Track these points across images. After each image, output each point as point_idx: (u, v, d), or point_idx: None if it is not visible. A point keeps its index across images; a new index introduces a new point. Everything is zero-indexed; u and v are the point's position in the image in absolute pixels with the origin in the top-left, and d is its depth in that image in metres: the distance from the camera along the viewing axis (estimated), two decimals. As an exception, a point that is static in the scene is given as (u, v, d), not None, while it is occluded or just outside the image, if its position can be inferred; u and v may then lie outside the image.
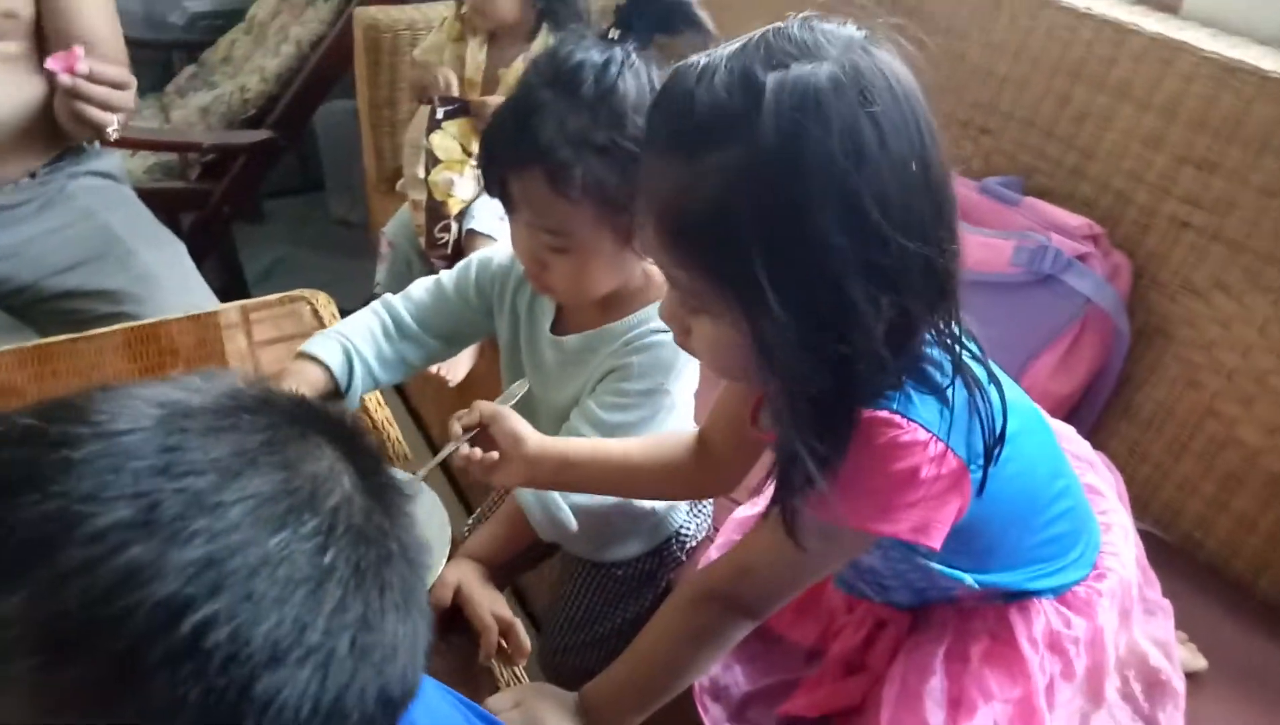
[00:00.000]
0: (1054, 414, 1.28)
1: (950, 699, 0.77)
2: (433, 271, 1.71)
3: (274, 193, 2.72)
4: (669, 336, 0.91)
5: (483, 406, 0.82)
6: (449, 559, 0.87)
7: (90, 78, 1.20)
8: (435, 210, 1.63)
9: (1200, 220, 1.22)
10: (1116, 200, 1.31)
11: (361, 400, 1.01)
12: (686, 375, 0.95)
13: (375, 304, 1.04)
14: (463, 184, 1.65)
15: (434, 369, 1.49)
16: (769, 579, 0.75)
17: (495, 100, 1.64)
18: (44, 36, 1.34)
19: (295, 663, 0.35)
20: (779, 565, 0.74)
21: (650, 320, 0.93)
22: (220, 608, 0.34)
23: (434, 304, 1.03)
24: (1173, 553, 1.20)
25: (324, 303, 1.29)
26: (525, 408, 1.08)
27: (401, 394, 2.05)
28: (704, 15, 0.84)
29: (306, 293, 1.30)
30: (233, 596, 0.34)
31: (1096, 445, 1.25)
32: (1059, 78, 1.38)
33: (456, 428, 0.81)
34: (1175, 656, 0.87)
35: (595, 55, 0.83)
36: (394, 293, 1.70)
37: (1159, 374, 1.27)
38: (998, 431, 0.66)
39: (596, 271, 0.89)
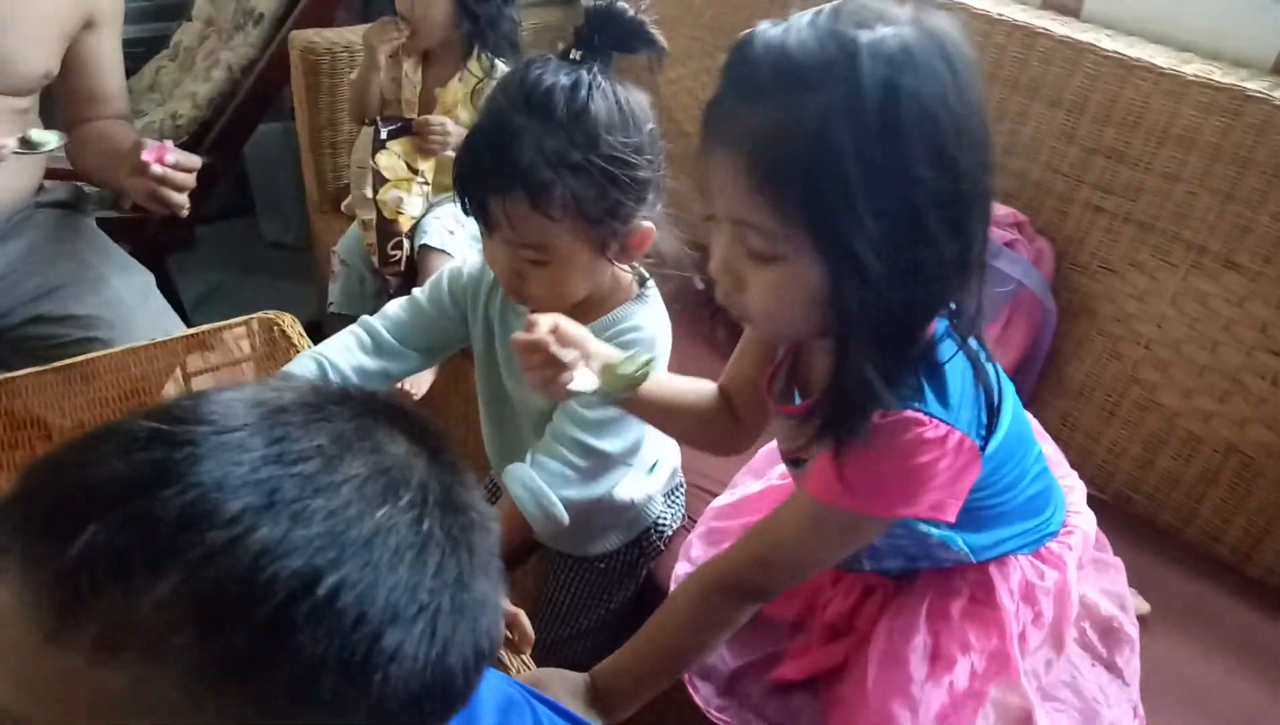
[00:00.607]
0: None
1: (931, 655, 0.84)
2: (387, 288, 1.74)
3: (204, 218, 2.68)
4: (640, 334, 0.97)
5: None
6: None
7: (174, 166, 1.24)
8: (386, 229, 1.65)
9: (1112, 205, 1.33)
10: (1036, 190, 1.42)
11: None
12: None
13: (354, 325, 1.06)
14: (411, 201, 1.68)
15: (400, 384, 1.52)
16: (787, 567, 0.80)
17: (437, 119, 1.68)
18: (54, 92, 1.41)
19: (410, 619, 0.39)
20: (799, 554, 0.78)
21: (624, 320, 0.98)
22: (345, 574, 0.38)
23: (410, 319, 1.06)
24: (1109, 509, 1.30)
25: (290, 323, 1.30)
26: (504, 412, 1.12)
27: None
28: (658, 33, 0.88)
29: (271, 314, 1.31)
30: (354, 564, 0.38)
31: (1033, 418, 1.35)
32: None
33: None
34: (1129, 607, 0.95)
35: (564, 79, 0.86)
36: (350, 311, 1.73)
37: (1085, 348, 1.37)
38: (996, 402, 0.73)
39: (573, 280, 0.94)
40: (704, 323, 0.82)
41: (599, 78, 0.87)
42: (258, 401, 0.42)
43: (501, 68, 1.79)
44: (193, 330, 1.27)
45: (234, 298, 2.50)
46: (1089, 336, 1.37)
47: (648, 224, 0.92)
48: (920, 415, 0.69)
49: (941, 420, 0.69)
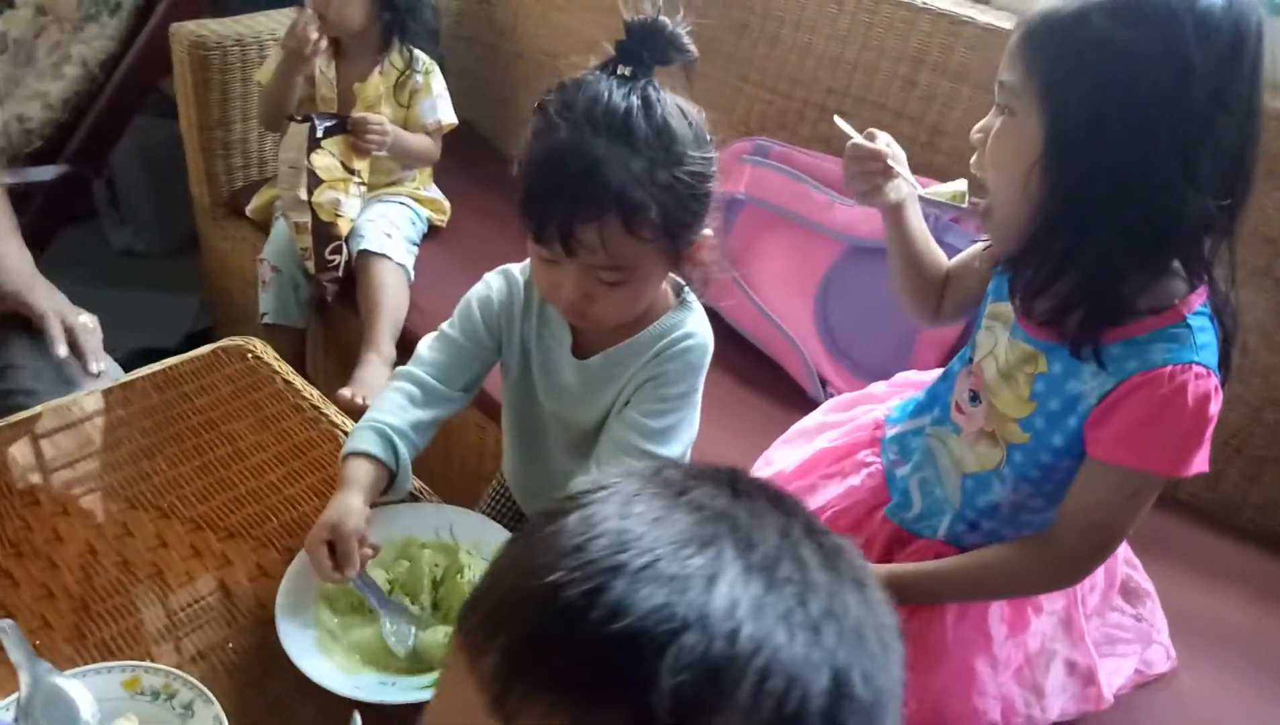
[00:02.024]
0: (943, 352, 1.49)
1: (1010, 617, 0.92)
2: (324, 294, 1.64)
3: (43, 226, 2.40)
4: (695, 341, 0.98)
5: None
6: None
7: None
8: (324, 232, 1.56)
9: (1039, 179, 1.46)
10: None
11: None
12: (704, 372, 1.02)
13: (396, 380, 1.01)
14: (349, 203, 1.59)
15: (352, 396, 1.45)
16: (1112, 540, 0.86)
17: (375, 117, 1.59)
18: None
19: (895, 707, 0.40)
20: (1120, 524, 0.85)
21: (674, 328, 0.98)
22: (864, 667, 0.38)
23: (450, 359, 1.02)
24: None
25: (261, 348, 1.22)
26: (535, 433, 1.09)
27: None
28: (690, 43, 0.88)
29: (239, 341, 1.22)
30: (861, 658, 0.38)
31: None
32: (903, 64, 1.58)
33: None
34: (1138, 565, 1.06)
35: (635, 98, 0.85)
36: (285, 320, 1.62)
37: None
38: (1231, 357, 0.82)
39: (645, 296, 0.94)
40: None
41: (663, 93, 0.87)
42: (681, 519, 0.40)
43: (422, 58, 1.72)
44: (154, 367, 1.16)
45: (93, 313, 2.27)
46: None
47: (708, 232, 0.93)
48: (1200, 367, 0.77)
49: (1212, 370, 0.77)
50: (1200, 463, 0.80)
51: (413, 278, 1.66)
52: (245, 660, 0.84)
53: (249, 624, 0.87)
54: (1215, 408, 0.78)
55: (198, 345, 1.20)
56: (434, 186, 1.84)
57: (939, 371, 1.06)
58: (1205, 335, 0.79)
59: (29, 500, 0.97)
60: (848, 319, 1.53)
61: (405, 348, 1.55)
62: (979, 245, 1.00)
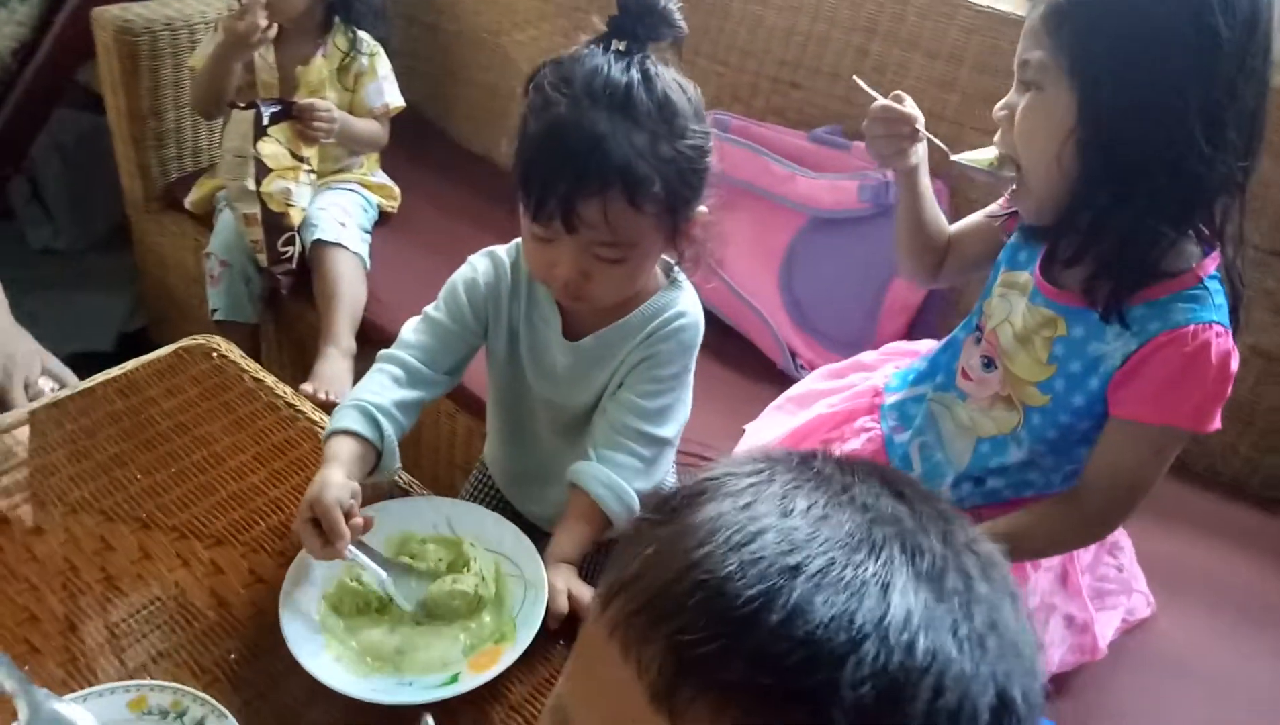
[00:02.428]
0: (907, 319, 1.52)
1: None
2: (278, 287, 1.59)
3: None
4: (687, 319, 0.98)
5: None
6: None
7: None
8: (275, 223, 1.50)
9: (993, 145, 1.49)
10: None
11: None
12: (696, 350, 1.02)
13: (379, 363, 0.98)
14: (299, 191, 1.54)
15: (315, 391, 1.41)
16: (1136, 497, 0.89)
17: (323, 103, 1.54)
18: None
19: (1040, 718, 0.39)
20: (1149, 479, 0.88)
21: (667, 308, 0.98)
22: (1024, 685, 0.37)
23: (435, 342, 1.00)
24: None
25: (226, 346, 1.17)
26: (523, 415, 1.08)
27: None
28: (680, 18, 0.88)
29: (200, 339, 1.17)
30: (1020, 672, 0.38)
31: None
32: (855, 34, 1.59)
33: None
34: None
35: (634, 72, 0.85)
36: (239, 317, 1.56)
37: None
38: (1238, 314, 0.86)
39: (643, 273, 0.93)
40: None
41: (659, 67, 0.87)
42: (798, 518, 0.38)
43: (366, 40, 1.67)
44: (113, 372, 1.11)
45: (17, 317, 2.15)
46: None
47: (703, 208, 0.93)
48: (1219, 326, 0.80)
49: (1229, 330, 0.81)
50: (1219, 419, 0.84)
51: (369, 266, 1.61)
52: (250, 671, 0.81)
53: (250, 633, 0.84)
54: (1235, 365, 0.82)
55: (133, 347, 1.15)
56: (381, 172, 1.79)
57: (930, 342, 1.08)
58: (1220, 297, 0.83)
59: (-3, 520, 0.92)
60: (812, 290, 1.54)
61: (365, 339, 1.52)
62: (983, 213, 1.03)
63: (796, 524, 0.37)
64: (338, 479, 0.85)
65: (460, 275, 1.02)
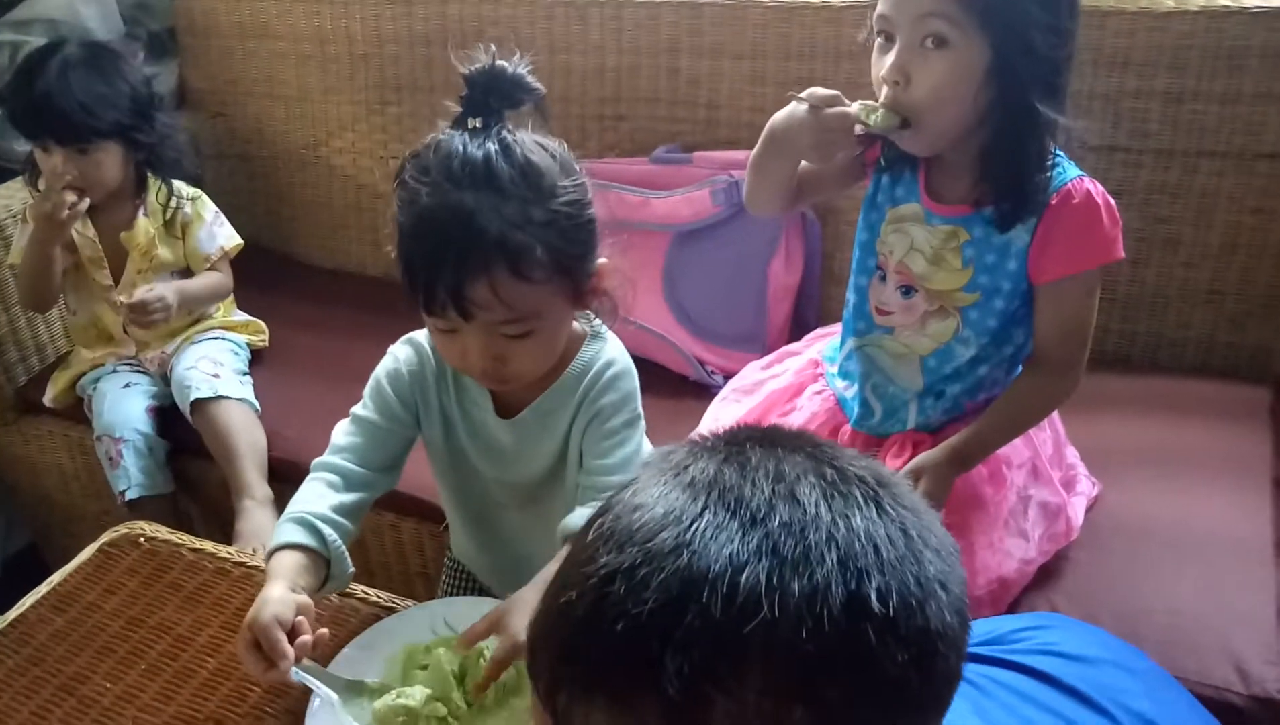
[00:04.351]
0: (792, 300, 1.59)
1: (990, 476, 1.02)
2: (173, 450, 1.51)
3: None
4: (618, 367, 0.97)
5: None
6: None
7: None
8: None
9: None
10: (750, 130, 1.62)
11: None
12: (639, 393, 1.01)
13: (312, 473, 0.96)
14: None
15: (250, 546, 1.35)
16: (1082, 342, 1.02)
17: (153, 295, 1.50)
18: None
19: (938, 591, 0.43)
20: (1088, 323, 1.02)
21: (596, 360, 0.97)
22: (890, 582, 0.41)
23: (367, 441, 0.97)
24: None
25: (153, 528, 1.11)
26: (478, 498, 1.06)
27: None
28: (535, 81, 0.88)
29: (123, 529, 1.11)
30: (892, 570, 0.41)
31: (829, 314, 1.59)
32: (661, 56, 1.66)
33: None
34: None
35: (490, 145, 0.84)
36: (148, 490, 1.48)
37: (841, 239, 1.62)
38: None
39: (557, 341, 0.92)
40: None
41: (517, 134, 0.86)
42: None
43: (183, 188, 1.62)
44: (41, 590, 1.03)
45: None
46: (840, 230, 1.61)
47: (603, 260, 0.92)
48: (1085, 177, 0.99)
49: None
50: (1122, 248, 1.00)
51: (259, 408, 1.56)
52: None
53: (286, 799, 0.81)
54: (1112, 199, 1.00)
55: (25, 569, 1.06)
56: (240, 311, 1.74)
57: (832, 332, 1.17)
58: (1068, 163, 1.00)
59: (-32, 782, 0.84)
60: (698, 300, 1.59)
61: (281, 480, 1.46)
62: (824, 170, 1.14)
63: (630, 523, 0.42)
64: (276, 594, 0.82)
65: (383, 368, 1.00)
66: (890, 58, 0.96)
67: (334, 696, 0.82)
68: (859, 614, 0.39)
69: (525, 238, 0.83)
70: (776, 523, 0.40)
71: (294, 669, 0.79)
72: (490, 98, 0.87)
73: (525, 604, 0.83)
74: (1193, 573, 1.06)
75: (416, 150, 0.88)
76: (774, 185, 1.13)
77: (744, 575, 0.38)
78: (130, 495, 1.47)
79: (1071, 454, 1.17)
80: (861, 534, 0.40)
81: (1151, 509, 1.15)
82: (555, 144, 0.90)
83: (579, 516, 0.92)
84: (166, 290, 1.52)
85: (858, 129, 1.00)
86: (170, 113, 1.70)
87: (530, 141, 0.87)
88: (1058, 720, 0.62)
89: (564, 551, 0.89)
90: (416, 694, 0.81)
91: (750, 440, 0.46)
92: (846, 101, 1.02)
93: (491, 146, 0.84)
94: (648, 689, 0.38)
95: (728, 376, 1.44)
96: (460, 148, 0.85)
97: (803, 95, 1.02)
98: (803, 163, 1.12)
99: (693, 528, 0.40)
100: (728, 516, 0.40)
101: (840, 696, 0.38)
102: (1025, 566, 1.03)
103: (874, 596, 0.39)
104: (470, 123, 0.87)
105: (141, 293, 1.49)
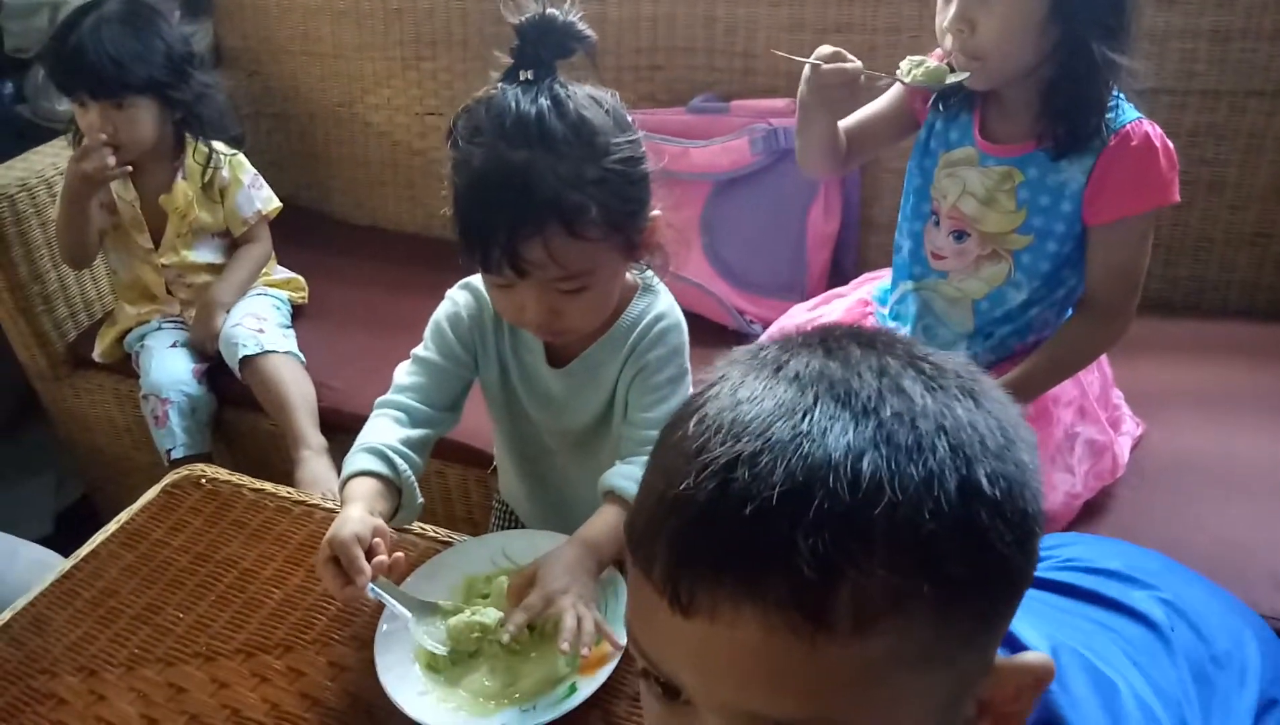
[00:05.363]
0: (831, 248, 1.60)
1: (1035, 415, 1.03)
2: (219, 406, 1.55)
3: None
4: (668, 321, 0.97)
5: None
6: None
7: None
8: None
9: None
10: (788, 79, 1.62)
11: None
12: (687, 347, 1.01)
13: (378, 409, 0.98)
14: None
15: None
16: (1136, 284, 1.04)
17: (210, 329, 1.57)
18: None
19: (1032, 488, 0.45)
20: (1141, 265, 1.03)
21: (647, 313, 0.97)
22: (995, 468, 0.43)
23: (430, 381, 0.99)
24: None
25: (213, 469, 1.14)
26: (532, 444, 1.08)
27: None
28: (586, 28, 0.87)
29: (184, 471, 1.14)
30: (992, 457, 0.43)
31: (867, 262, 1.59)
32: (699, 4, 1.65)
33: None
34: None
35: (543, 100, 0.83)
36: (192, 449, 1.52)
37: (880, 187, 1.62)
38: None
39: (611, 295, 0.93)
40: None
41: (571, 87, 0.86)
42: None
43: (222, 149, 1.63)
44: (110, 528, 1.06)
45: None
46: (880, 177, 1.61)
47: (656, 212, 0.92)
48: (1145, 120, 0.99)
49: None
50: (1178, 192, 1.00)
51: (304, 360, 1.59)
52: (374, 753, 0.81)
53: (357, 718, 0.84)
54: (1170, 143, 1.00)
55: (77, 523, 1.09)
56: (281, 267, 1.76)
57: (883, 275, 1.18)
58: (1128, 105, 0.99)
59: (54, 702, 0.88)
60: (738, 250, 1.60)
61: (332, 429, 1.49)
62: (871, 109, 1.15)
63: (739, 415, 0.43)
64: (355, 514, 0.84)
65: (442, 311, 1.01)
66: (953, 8, 0.99)
67: (408, 614, 0.84)
68: (972, 497, 0.41)
69: (579, 197, 0.82)
70: (888, 413, 0.41)
71: (370, 586, 0.81)
72: (541, 48, 0.86)
73: (561, 561, 0.85)
74: (1237, 505, 1.07)
75: (469, 106, 0.87)
76: (815, 145, 1.15)
77: (864, 462, 0.40)
78: (175, 455, 1.51)
79: (1117, 396, 1.18)
80: (966, 424, 0.42)
81: (1196, 446, 1.16)
82: (608, 96, 0.89)
83: (621, 472, 0.93)
84: (218, 311, 1.59)
85: (908, 82, 1.06)
86: (208, 71, 1.72)
87: (583, 96, 0.86)
88: (1088, 623, 0.64)
89: (608, 505, 0.93)
90: (490, 614, 0.84)
91: (846, 337, 0.47)
92: (850, 57, 1.06)
93: (544, 102, 0.83)
94: (779, 568, 0.39)
95: (766, 326, 1.46)
96: (513, 104, 0.84)
97: (814, 56, 1.07)
98: (847, 121, 1.15)
99: (807, 418, 0.41)
100: (839, 408, 0.42)
101: (963, 575, 0.40)
102: (1071, 500, 1.04)
103: (985, 481, 0.41)
104: (522, 75, 0.86)
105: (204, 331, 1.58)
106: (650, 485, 0.45)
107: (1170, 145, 1.01)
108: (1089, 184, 1.00)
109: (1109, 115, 0.99)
